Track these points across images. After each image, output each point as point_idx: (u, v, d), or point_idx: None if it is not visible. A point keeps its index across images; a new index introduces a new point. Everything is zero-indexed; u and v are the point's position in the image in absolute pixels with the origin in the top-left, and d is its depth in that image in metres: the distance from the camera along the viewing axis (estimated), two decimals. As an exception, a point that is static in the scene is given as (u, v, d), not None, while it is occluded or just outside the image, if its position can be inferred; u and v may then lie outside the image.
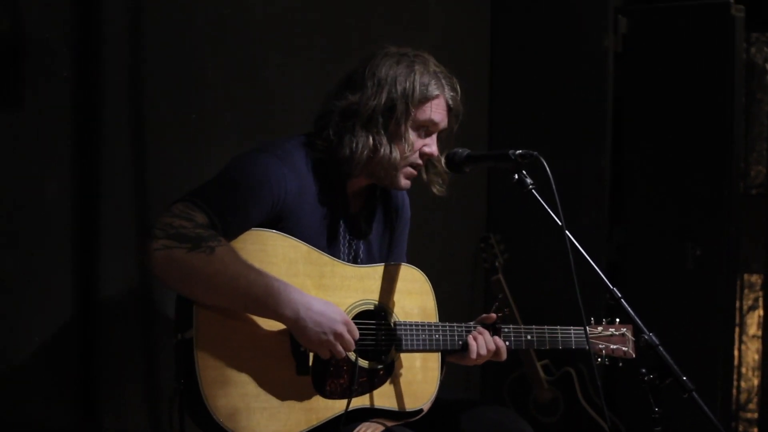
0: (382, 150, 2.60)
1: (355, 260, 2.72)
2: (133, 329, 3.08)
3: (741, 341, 5.26)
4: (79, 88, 2.86)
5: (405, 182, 2.69)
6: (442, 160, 2.72)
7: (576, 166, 4.74)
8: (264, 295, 2.38)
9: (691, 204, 4.72)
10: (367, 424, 2.54)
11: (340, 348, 2.46)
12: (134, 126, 3.03)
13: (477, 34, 4.91)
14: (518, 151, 2.57)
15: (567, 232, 2.48)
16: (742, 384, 5.31)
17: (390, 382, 2.62)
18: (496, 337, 2.74)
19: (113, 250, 2.96)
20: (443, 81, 2.68)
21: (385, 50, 2.69)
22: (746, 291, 5.25)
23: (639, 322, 2.44)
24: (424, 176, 2.77)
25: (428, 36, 4.34)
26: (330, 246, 2.64)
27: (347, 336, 2.46)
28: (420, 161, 2.68)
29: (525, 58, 4.95)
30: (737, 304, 5.04)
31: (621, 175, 4.90)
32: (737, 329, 5.11)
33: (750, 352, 5.32)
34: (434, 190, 2.77)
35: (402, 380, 2.64)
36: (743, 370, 5.32)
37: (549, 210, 2.51)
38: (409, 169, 2.68)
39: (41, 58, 2.75)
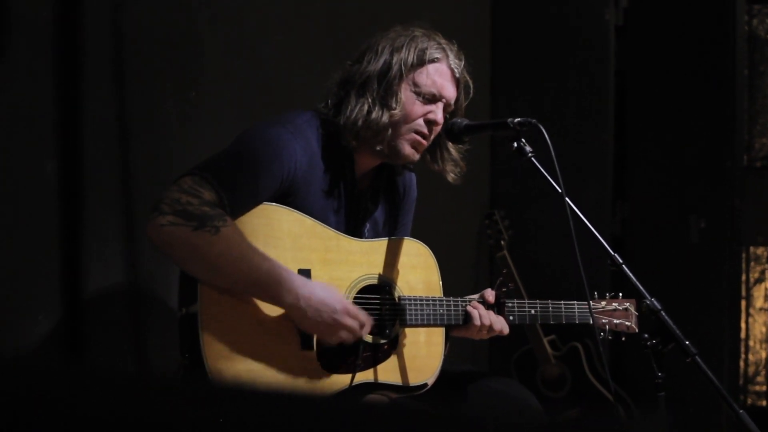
0: (374, 114, 2.55)
1: (360, 238, 2.69)
2: (123, 313, 3.05)
3: (748, 314, 5.24)
4: (65, 66, 2.81)
5: (409, 150, 2.62)
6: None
7: (579, 141, 4.73)
8: (266, 280, 2.36)
9: (695, 177, 4.70)
10: (371, 396, 2.54)
11: (344, 335, 2.44)
12: (123, 106, 2.99)
13: (478, 7, 4.89)
14: (517, 119, 2.55)
15: (567, 199, 2.46)
16: (750, 357, 5.29)
17: (394, 357, 2.62)
18: (491, 312, 2.72)
19: (102, 233, 2.92)
20: (447, 50, 2.63)
21: (392, 28, 2.66)
22: (752, 263, 5.22)
23: (641, 287, 2.42)
24: (438, 164, 2.74)
25: (429, 7, 4.31)
26: (336, 223, 2.61)
27: (349, 321, 2.43)
28: (425, 129, 2.62)
29: (527, 32, 4.93)
30: (743, 277, 5.03)
31: (624, 149, 4.88)
32: (744, 302, 5.10)
33: (757, 325, 5.30)
34: (449, 179, 2.73)
35: (406, 355, 2.63)
36: (751, 343, 5.30)
37: (549, 178, 2.49)
38: (414, 136, 2.61)
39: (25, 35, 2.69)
